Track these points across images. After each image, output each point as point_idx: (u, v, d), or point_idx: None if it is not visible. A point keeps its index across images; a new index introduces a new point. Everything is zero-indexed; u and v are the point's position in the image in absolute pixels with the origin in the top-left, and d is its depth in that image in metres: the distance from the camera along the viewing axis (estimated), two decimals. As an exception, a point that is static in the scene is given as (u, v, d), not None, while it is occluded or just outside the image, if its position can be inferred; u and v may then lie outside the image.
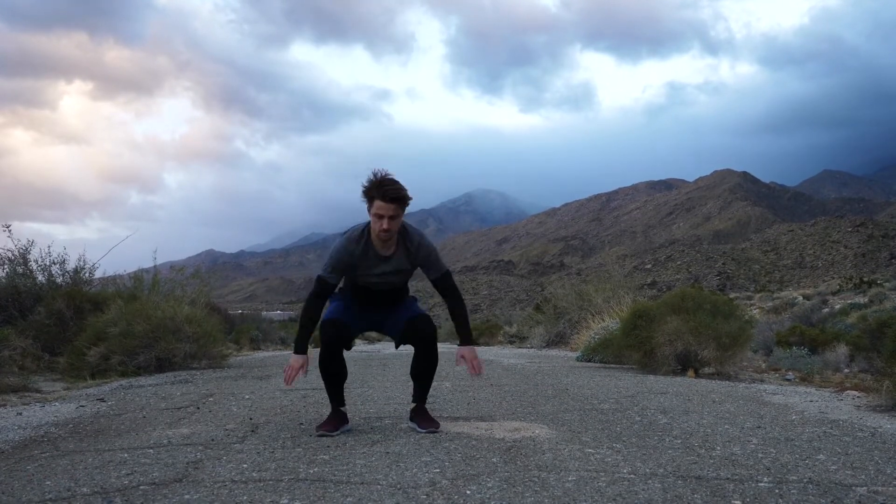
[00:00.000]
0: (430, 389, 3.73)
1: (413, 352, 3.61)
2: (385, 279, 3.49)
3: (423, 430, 3.44)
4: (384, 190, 3.23)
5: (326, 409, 3.68)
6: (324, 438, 3.28)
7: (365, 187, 3.29)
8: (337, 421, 3.48)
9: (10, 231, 10.19)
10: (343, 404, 3.55)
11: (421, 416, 3.55)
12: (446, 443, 3.15)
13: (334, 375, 3.49)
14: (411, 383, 3.65)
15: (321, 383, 3.58)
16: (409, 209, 3.36)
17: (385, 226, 3.26)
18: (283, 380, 3.39)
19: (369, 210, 3.32)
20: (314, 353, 3.50)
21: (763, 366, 8.29)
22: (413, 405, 3.64)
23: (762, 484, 2.40)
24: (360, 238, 3.40)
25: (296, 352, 3.43)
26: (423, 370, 3.58)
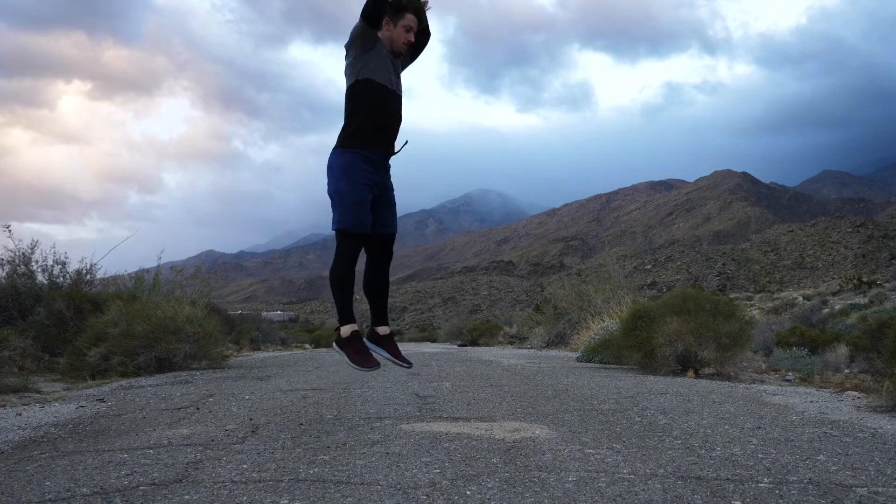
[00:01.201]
0: (430, 389, 3.73)
1: (366, 266, 3.71)
2: (396, 75, 3.67)
3: (401, 364, 3.47)
4: (417, 5, 3.60)
5: (326, 410, 3.67)
6: (323, 438, 3.28)
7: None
8: (364, 348, 3.54)
9: (10, 231, 10.21)
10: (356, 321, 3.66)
11: (394, 347, 3.62)
12: (446, 443, 3.15)
13: (351, 286, 3.57)
14: (410, 383, 3.65)
15: (321, 384, 3.58)
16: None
17: (412, 38, 3.62)
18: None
19: (395, 24, 3.54)
20: None
21: (763, 366, 8.28)
22: (380, 329, 3.66)
23: (762, 484, 2.40)
24: None
25: None
26: (381, 286, 3.70)
